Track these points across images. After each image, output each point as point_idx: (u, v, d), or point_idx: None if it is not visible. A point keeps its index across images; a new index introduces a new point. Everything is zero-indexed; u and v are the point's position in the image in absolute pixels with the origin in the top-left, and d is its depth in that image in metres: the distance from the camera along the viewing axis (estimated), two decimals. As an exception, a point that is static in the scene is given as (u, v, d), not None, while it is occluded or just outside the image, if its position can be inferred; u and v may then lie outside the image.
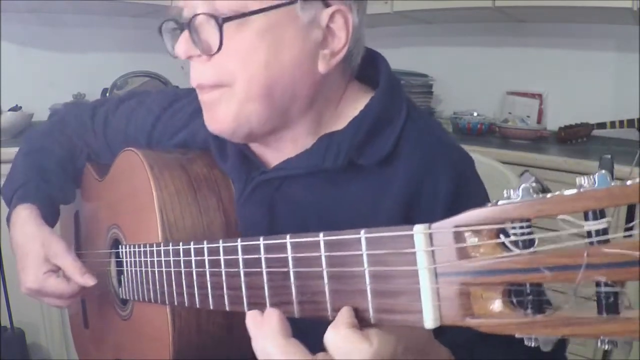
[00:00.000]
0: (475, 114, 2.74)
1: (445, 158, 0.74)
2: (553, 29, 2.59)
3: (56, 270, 0.89)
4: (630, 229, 0.33)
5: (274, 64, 0.67)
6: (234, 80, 0.68)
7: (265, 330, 0.49)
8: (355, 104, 0.76)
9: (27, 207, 0.93)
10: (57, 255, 0.88)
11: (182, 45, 0.69)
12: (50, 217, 0.95)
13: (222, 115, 0.71)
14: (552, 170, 2.01)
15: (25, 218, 0.91)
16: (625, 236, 0.33)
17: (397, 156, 0.73)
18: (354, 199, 0.73)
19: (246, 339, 0.80)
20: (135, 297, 0.82)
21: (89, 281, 0.86)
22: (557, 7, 2.22)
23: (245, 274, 0.56)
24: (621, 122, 2.31)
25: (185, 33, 0.68)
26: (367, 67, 0.79)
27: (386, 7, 2.57)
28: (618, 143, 2.37)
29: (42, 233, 0.89)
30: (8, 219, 0.95)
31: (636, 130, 2.27)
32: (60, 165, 1.02)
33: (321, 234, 0.47)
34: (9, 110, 2.36)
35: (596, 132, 2.37)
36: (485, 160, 1.17)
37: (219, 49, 0.66)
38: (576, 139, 2.38)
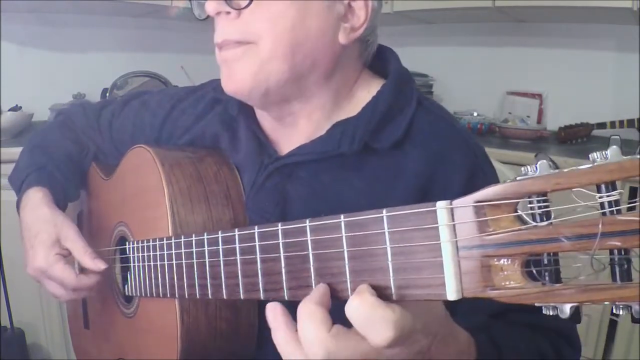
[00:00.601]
0: (475, 114, 2.74)
1: (459, 145, 0.76)
2: (553, 29, 2.60)
3: (66, 255, 0.88)
4: (633, 202, 0.35)
5: (300, 27, 0.71)
6: (259, 39, 0.71)
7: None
8: (367, 89, 0.79)
9: (40, 189, 0.93)
10: (69, 238, 0.87)
11: (212, 2, 0.71)
12: (60, 206, 0.95)
13: (241, 73, 0.73)
14: (552, 170, 2.01)
15: (38, 200, 0.91)
16: (628, 209, 0.35)
17: (409, 141, 0.75)
18: (367, 184, 0.75)
19: (252, 336, 0.81)
20: (144, 292, 0.82)
21: (100, 265, 0.85)
22: (557, 7, 2.23)
23: (262, 260, 0.56)
24: (621, 122, 2.31)
25: None
26: (378, 60, 0.82)
27: (386, 7, 2.57)
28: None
29: (55, 215, 0.89)
30: (18, 203, 0.95)
31: (636, 130, 2.28)
32: (68, 160, 1.02)
33: (342, 216, 0.48)
34: (9, 110, 2.35)
35: (596, 132, 2.38)
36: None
37: (249, 3, 0.69)
38: (576, 139, 2.39)
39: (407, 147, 0.75)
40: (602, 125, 2.35)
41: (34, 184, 0.94)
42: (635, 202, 0.34)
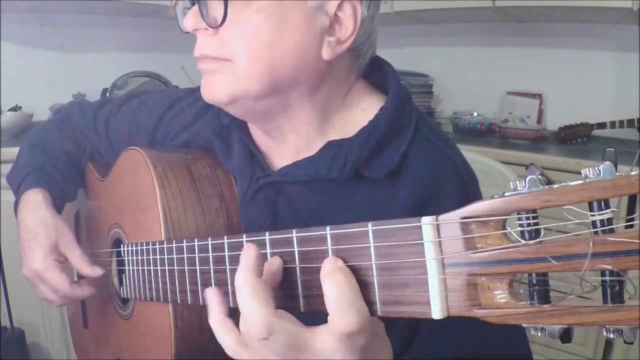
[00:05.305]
0: (475, 114, 2.74)
1: (453, 179, 0.73)
2: (553, 29, 2.60)
3: (62, 261, 0.89)
4: (632, 220, 0.33)
5: (278, 44, 0.67)
6: (235, 56, 0.68)
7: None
8: (362, 102, 0.76)
9: (39, 191, 0.93)
10: (67, 245, 0.88)
11: (190, 18, 0.69)
12: (58, 208, 0.95)
13: (219, 86, 0.70)
14: (552, 170, 2.00)
15: (39, 202, 0.91)
16: (626, 226, 0.33)
17: (404, 170, 0.72)
18: (357, 210, 0.72)
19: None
20: (137, 295, 0.82)
21: (98, 271, 0.86)
22: (557, 7, 2.22)
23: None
24: (621, 122, 2.32)
25: (195, 7, 0.69)
26: (375, 73, 0.78)
27: (386, 7, 2.57)
28: (618, 143, 2.37)
29: (55, 220, 0.89)
30: (16, 203, 0.95)
31: (636, 130, 2.28)
32: (67, 160, 1.02)
33: (328, 228, 0.48)
34: (9, 110, 2.36)
35: (596, 132, 2.38)
36: (485, 160, 1.16)
37: (222, 22, 0.66)
38: (576, 139, 2.39)
39: (402, 174, 0.72)
40: (602, 125, 2.35)
41: (33, 185, 0.94)
42: (632, 219, 0.33)
